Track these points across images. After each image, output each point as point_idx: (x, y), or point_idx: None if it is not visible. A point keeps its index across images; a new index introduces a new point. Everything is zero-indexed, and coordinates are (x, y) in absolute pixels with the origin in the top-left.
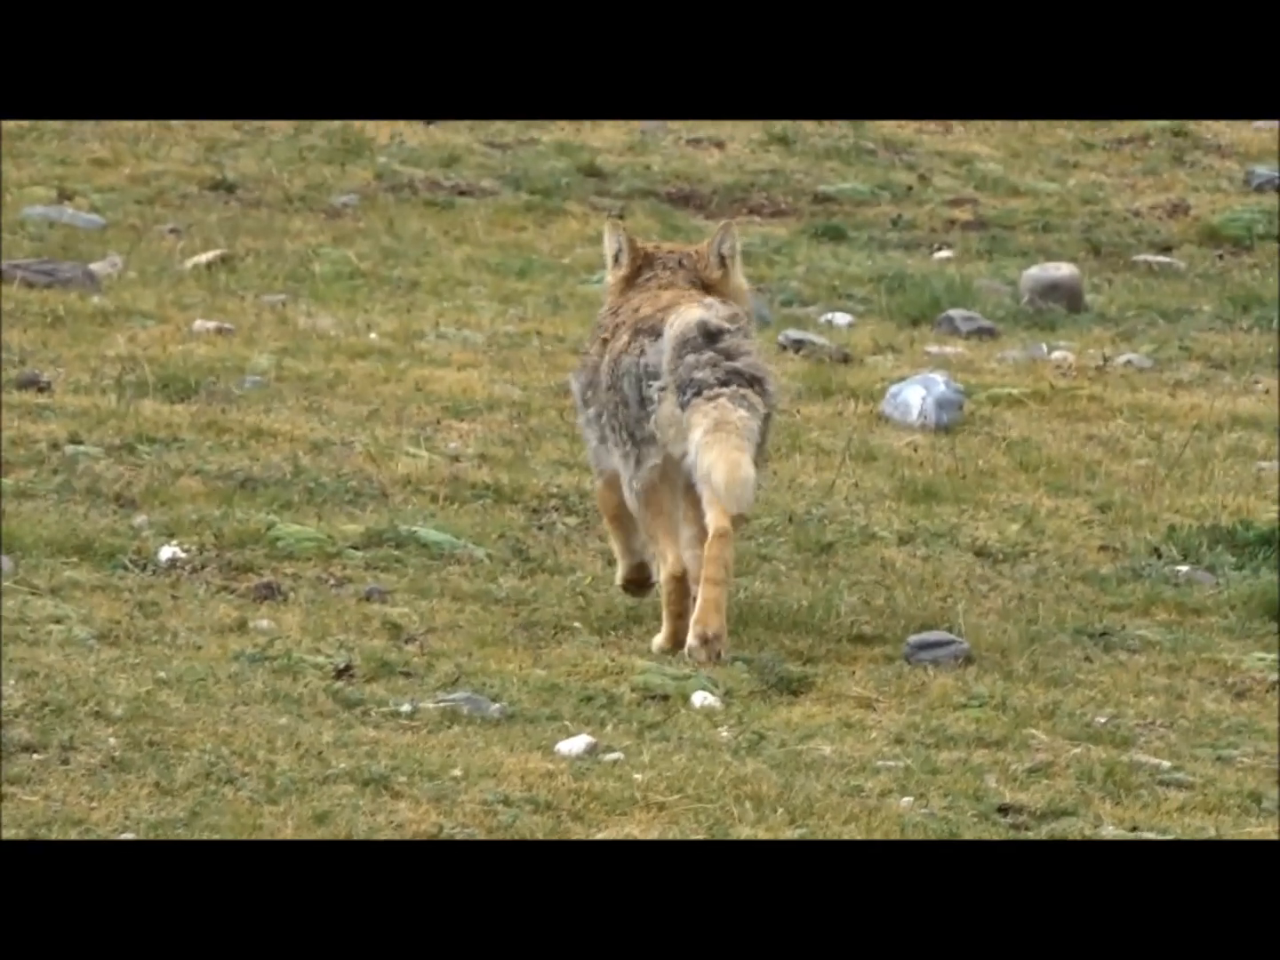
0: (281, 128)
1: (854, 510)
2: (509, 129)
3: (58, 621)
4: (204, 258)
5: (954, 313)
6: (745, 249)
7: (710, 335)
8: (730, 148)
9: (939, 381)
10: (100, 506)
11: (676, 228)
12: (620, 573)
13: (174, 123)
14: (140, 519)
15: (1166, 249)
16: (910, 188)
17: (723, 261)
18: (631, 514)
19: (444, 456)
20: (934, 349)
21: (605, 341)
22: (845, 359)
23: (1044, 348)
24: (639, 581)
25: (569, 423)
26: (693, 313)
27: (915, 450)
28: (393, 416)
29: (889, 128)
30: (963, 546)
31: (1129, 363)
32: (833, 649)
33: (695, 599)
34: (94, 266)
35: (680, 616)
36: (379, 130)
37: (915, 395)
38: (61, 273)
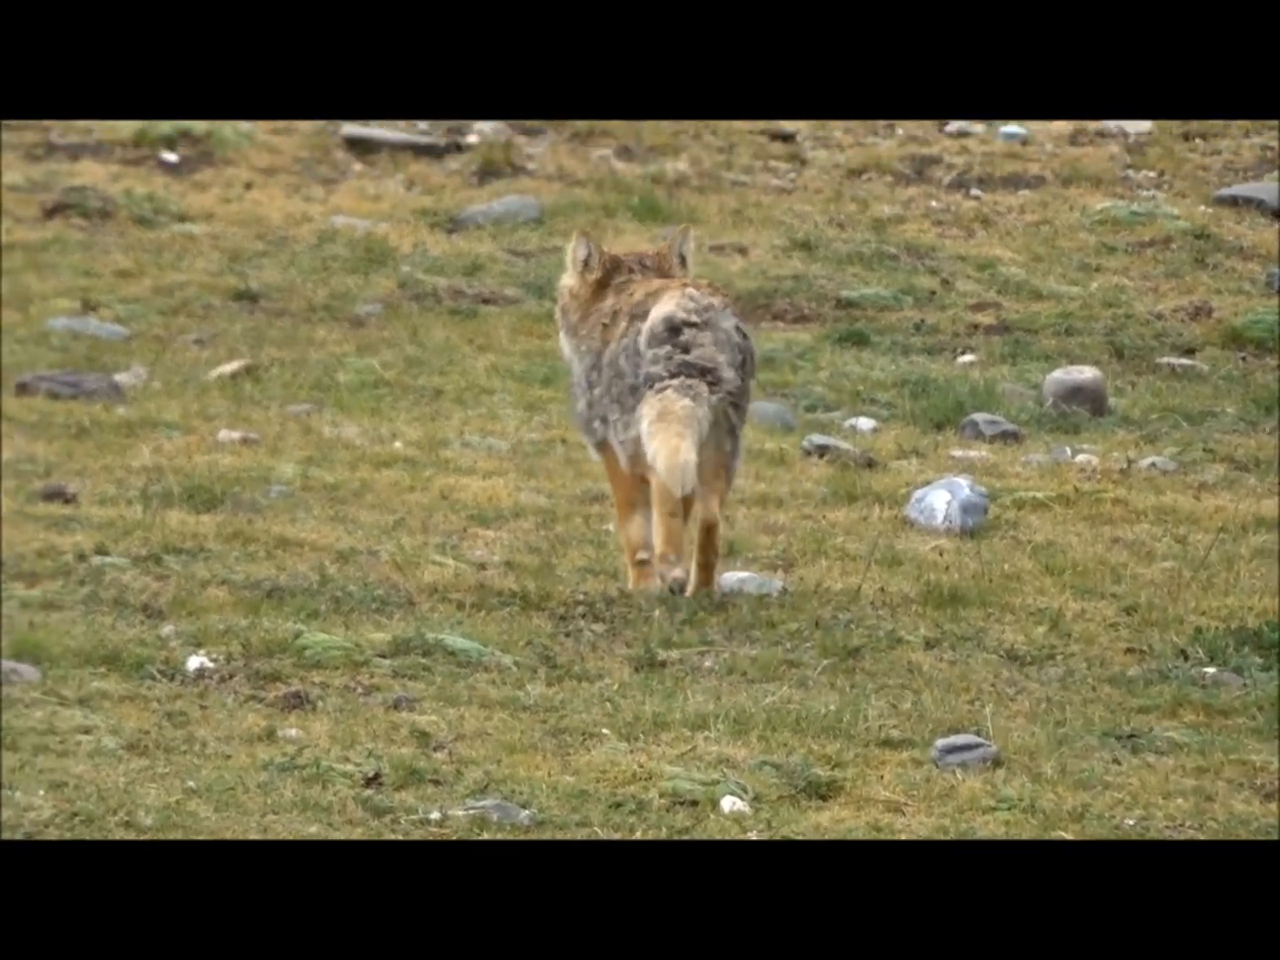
0: (305, 237)
1: (880, 615)
2: (531, 237)
3: (86, 732)
4: (228, 368)
5: (978, 416)
6: (769, 354)
7: (674, 329)
8: (753, 254)
9: (963, 485)
10: (127, 617)
11: None
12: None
13: (197, 233)
14: (167, 629)
15: (1189, 351)
16: (933, 292)
17: (683, 261)
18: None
19: (470, 564)
20: (958, 453)
21: (605, 326)
22: (870, 464)
23: (1068, 451)
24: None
25: (595, 530)
26: (664, 307)
27: (941, 554)
28: (419, 525)
29: (911, 233)
30: (989, 650)
31: (1153, 465)
32: (861, 753)
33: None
34: (118, 377)
35: (675, 516)
36: (402, 239)
37: (940, 499)
38: (86, 384)
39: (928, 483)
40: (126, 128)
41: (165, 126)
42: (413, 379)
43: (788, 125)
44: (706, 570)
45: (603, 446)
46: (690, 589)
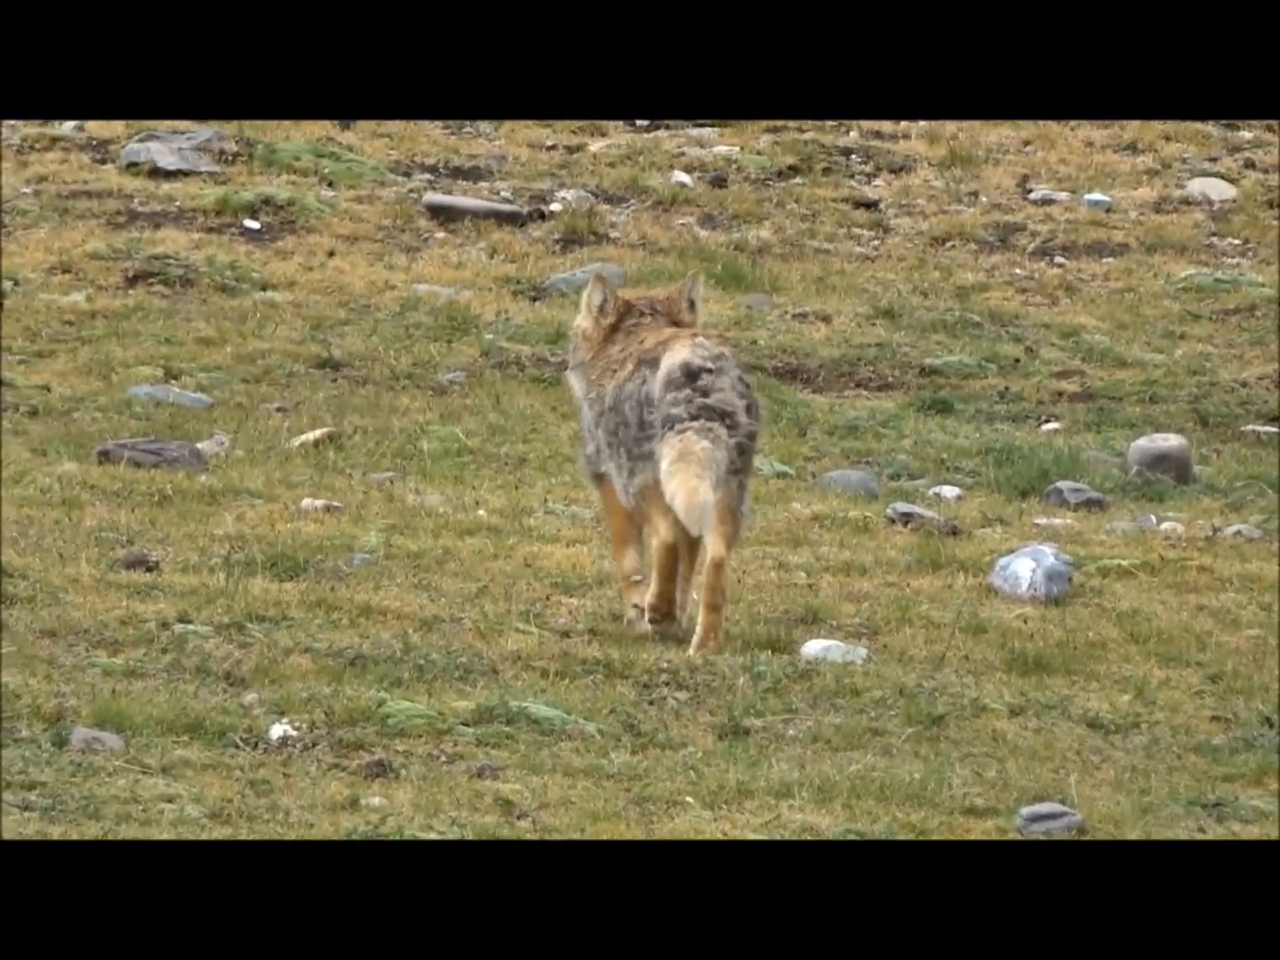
0: (387, 305)
1: (965, 683)
2: None
3: (169, 800)
4: (311, 436)
5: (1062, 484)
6: (853, 422)
7: (691, 375)
8: (837, 321)
9: (1048, 553)
10: (210, 685)
11: (783, 402)
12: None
13: (279, 300)
14: (250, 697)
15: (1274, 419)
16: (1017, 360)
17: (692, 305)
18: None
19: (554, 632)
20: (1043, 521)
21: (615, 373)
22: (954, 532)
23: (1153, 519)
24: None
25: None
26: (679, 354)
27: (1025, 622)
28: (502, 593)
29: (995, 300)
30: (1074, 718)
31: (1239, 533)
32: (945, 821)
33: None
34: (201, 445)
35: (670, 580)
36: (484, 307)
37: (1025, 567)
38: (168, 452)
39: (1012, 550)
40: (209, 195)
41: (248, 194)
42: (496, 447)
43: (871, 193)
44: (713, 612)
45: (600, 480)
46: (696, 642)
